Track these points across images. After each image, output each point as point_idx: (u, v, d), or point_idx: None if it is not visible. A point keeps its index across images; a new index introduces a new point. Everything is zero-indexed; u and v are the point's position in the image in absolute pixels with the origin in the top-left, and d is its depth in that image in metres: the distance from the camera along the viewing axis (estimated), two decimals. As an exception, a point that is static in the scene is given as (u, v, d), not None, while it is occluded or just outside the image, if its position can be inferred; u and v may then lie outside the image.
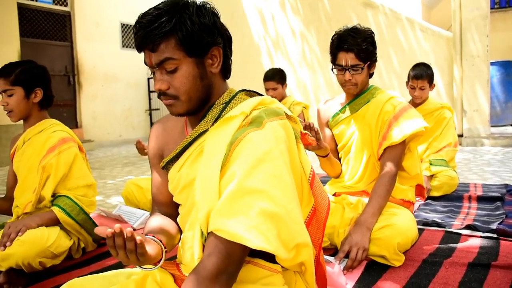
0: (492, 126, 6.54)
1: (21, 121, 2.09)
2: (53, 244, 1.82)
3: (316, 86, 7.40)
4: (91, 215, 2.10)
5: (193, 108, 1.11)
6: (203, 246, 1.03)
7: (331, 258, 1.79)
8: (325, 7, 7.19)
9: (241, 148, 0.99)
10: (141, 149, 2.80)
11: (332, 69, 2.06)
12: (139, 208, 2.83)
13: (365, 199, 2.03)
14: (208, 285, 0.92)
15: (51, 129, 2.05)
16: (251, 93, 1.19)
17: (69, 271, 1.91)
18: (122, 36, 9.72)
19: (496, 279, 1.60)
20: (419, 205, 2.79)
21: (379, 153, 2.05)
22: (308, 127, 1.87)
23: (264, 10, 7.78)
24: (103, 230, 0.93)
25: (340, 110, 2.20)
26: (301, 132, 1.20)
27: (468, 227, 2.27)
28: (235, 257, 0.95)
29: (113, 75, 9.47)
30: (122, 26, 9.70)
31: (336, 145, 2.26)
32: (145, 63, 1.10)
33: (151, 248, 1.05)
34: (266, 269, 1.08)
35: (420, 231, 2.20)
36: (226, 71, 1.16)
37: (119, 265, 1.95)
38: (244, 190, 0.94)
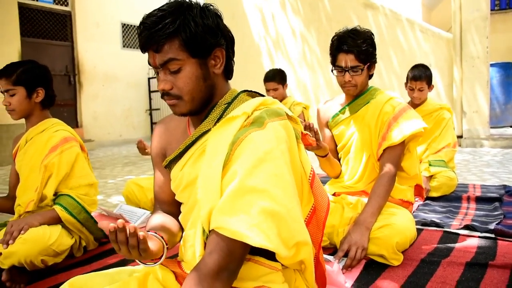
0: (491, 128, 6.56)
1: (22, 121, 2.11)
2: (55, 243, 1.84)
3: (316, 87, 7.42)
4: (92, 214, 2.11)
5: (196, 108, 1.13)
6: (205, 244, 1.04)
7: (330, 257, 1.80)
8: (326, 7, 7.21)
9: (242, 148, 1.01)
10: (142, 149, 2.82)
11: (332, 70, 2.08)
12: (139, 207, 2.84)
13: (365, 199, 2.04)
14: (210, 282, 0.94)
15: (53, 128, 2.07)
16: (253, 94, 1.21)
17: (71, 269, 1.93)
18: (123, 36, 9.74)
19: (493, 278, 1.62)
20: (418, 206, 2.81)
21: (378, 153, 2.06)
22: (307, 127, 1.88)
23: (264, 10, 7.80)
24: (106, 225, 0.94)
25: (339, 111, 2.21)
26: (301, 133, 1.21)
27: (466, 227, 2.29)
28: (236, 254, 0.97)
29: (113, 75, 9.49)
30: (122, 26, 9.72)
31: (336, 146, 2.27)
32: (149, 63, 1.11)
33: (153, 244, 1.07)
34: (266, 266, 1.10)
35: (419, 231, 2.22)
36: (228, 72, 1.18)
37: (120, 263, 1.97)
38: (246, 189, 0.96)
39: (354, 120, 2.16)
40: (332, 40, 2.05)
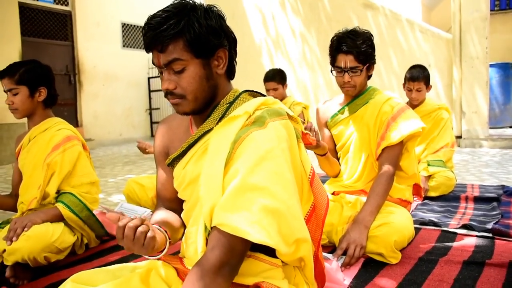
0: (490, 128, 6.58)
1: (23, 120, 2.13)
2: (57, 240, 1.86)
3: (316, 87, 7.44)
4: (93, 212, 2.14)
5: (199, 108, 1.15)
6: (207, 240, 1.06)
7: (329, 255, 1.82)
8: (326, 7, 7.23)
9: (244, 147, 1.03)
10: (143, 149, 2.84)
11: (331, 71, 2.10)
12: (140, 206, 2.86)
13: (363, 198, 2.06)
14: (211, 277, 0.96)
15: (55, 127, 2.09)
16: (255, 94, 1.23)
17: (73, 266, 1.95)
18: (123, 36, 9.75)
19: (490, 277, 1.64)
20: (417, 205, 2.83)
21: (377, 153, 2.08)
22: (308, 128, 1.90)
23: (264, 10, 7.82)
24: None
25: (339, 111, 2.23)
26: (302, 132, 1.24)
27: (464, 226, 2.31)
28: (237, 250, 0.99)
29: (113, 75, 9.50)
30: (122, 26, 9.73)
31: (335, 145, 2.29)
32: (153, 63, 1.13)
33: (156, 237, 1.09)
34: (266, 263, 1.12)
35: (417, 230, 2.24)
36: (230, 72, 1.21)
37: (121, 261, 1.99)
38: (247, 187, 0.98)
39: (353, 120, 2.18)
40: (331, 41, 2.07)
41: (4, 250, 1.74)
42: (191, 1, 1.11)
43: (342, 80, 2.05)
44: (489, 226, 2.25)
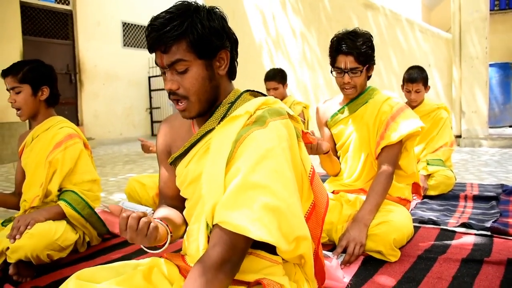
0: (490, 127, 6.59)
1: (25, 119, 2.15)
2: (60, 237, 1.88)
3: (316, 86, 7.45)
4: (95, 210, 2.16)
5: (203, 110, 1.17)
6: (208, 238, 1.08)
7: (329, 253, 1.84)
8: (326, 7, 7.24)
9: (245, 146, 1.05)
10: (146, 147, 2.86)
11: (331, 72, 2.11)
12: (141, 205, 2.88)
13: (363, 197, 2.08)
14: (213, 273, 0.98)
15: (58, 125, 2.11)
16: (256, 94, 1.25)
17: (75, 264, 1.97)
18: (124, 35, 9.77)
19: (488, 274, 1.66)
20: (416, 204, 2.84)
21: (376, 152, 2.10)
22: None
23: (265, 10, 7.83)
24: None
25: (338, 110, 2.25)
26: (302, 131, 1.25)
27: (463, 225, 2.33)
28: (238, 247, 1.01)
29: (114, 74, 9.52)
30: (123, 25, 9.75)
31: (335, 144, 2.31)
32: (156, 64, 1.15)
33: (159, 229, 1.11)
34: (267, 260, 1.14)
35: (416, 228, 2.26)
36: (232, 73, 1.22)
37: (123, 258, 2.01)
38: (248, 185, 1.00)
39: (352, 120, 2.20)
40: (331, 42, 2.08)
41: (8, 248, 1.76)
42: (193, 3, 1.13)
43: (342, 81, 2.06)
44: (488, 224, 2.27)
